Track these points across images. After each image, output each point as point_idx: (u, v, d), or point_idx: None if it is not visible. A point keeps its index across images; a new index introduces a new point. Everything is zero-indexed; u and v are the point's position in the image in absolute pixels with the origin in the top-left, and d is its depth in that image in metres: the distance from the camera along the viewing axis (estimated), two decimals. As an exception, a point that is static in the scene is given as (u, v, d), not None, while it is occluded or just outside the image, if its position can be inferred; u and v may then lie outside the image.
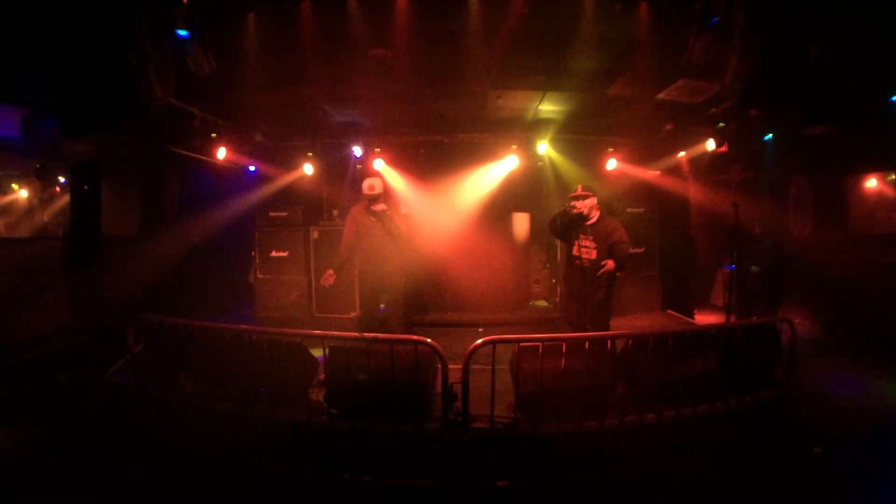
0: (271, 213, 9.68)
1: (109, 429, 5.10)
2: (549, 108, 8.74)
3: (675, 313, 9.41)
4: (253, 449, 4.54)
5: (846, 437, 4.90)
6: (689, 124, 8.71)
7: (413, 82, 7.30)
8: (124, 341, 5.17)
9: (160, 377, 5.15)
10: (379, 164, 9.90)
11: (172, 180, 9.41)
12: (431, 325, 8.37)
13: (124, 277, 7.51)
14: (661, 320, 9.14)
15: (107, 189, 8.04)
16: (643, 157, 10.04)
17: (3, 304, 6.58)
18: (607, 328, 6.18)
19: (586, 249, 6.19)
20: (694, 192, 10.53)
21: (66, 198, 8.52)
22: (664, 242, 9.93)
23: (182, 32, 5.28)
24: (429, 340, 4.41)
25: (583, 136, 9.77)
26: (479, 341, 4.34)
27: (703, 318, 9.59)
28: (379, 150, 9.99)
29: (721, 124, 8.30)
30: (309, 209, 9.89)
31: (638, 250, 9.31)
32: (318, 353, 4.93)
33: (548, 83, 7.46)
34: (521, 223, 9.75)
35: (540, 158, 10.16)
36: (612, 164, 9.91)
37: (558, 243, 8.73)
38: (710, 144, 8.77)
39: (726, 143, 8.74)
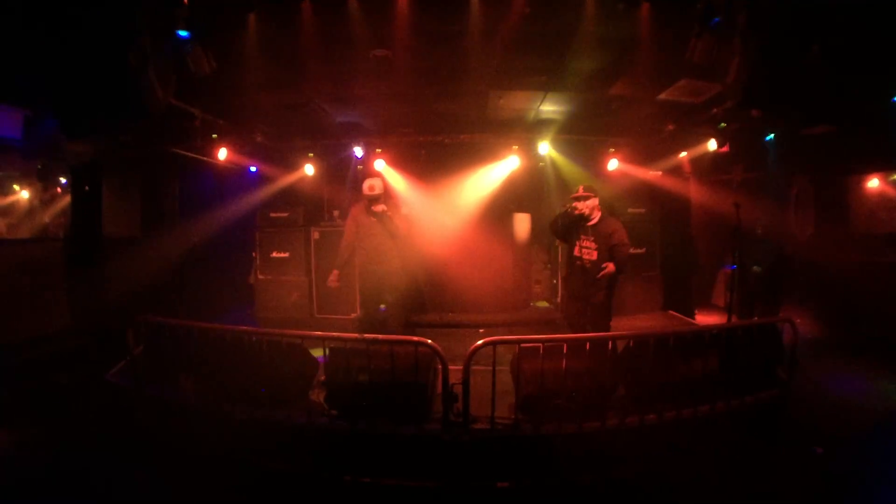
0: (272, 214, 9.68)
1: (109, 429, 5.11)
2: (550, 108, 8.72)
3: (676, 314, 9.41)
4: (253, 449, 4.55)
5: (846, 437, 4.89)
6: (691, 124, 8.69)
7: (414, 83, 7.29)
8: (124, 342, 5.16)
9: (160, 378, 5.15)
10: (380, 165, 9.89)
11: (173, 181, 9.40)
12: (432, 326, 8.37)
13: (125, 278, 7.50)
14: (661, 321, 9.14)
15: (107, 190, 8.03)
16: (644, 157, 10.03)
17: (4, 304, 6.58)
18: (608, 330, 6.18)
19: (587, 250, 6.19)
20: (695, 192, 10.51)
21: (67, 199, 8.52)
22: (665, 243, 9.94)
23: (182, 33, 5.28)
24: (429, 341, 4.40)
25: (584, 136, 9.75)
26: (480, 342, 4.34)
27: (705, 319, 9.57)
28: (380, 150, 9.98)
29: (722, 124, 8.29)
30: (310, 210, 9.90)
31: (639, 251, 9.31)
32: (318, 353, 4.94)
33: (549, 84, 7.45)
34: (522, 224, 9.74)
35: (541, 159, 10.15)
36: (613, 164, 9.90)
37: (559, 244, 8.72)
38: (712, 144, 8.77)
39: (728, 144, 8.73)
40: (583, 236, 6.24)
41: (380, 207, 6.76)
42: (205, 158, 9.04)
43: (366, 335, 4.61)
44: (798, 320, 5.15)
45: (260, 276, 9.62)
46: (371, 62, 6.51)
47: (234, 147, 9.19)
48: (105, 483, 4.35)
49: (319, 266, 9.33)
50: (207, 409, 4.76)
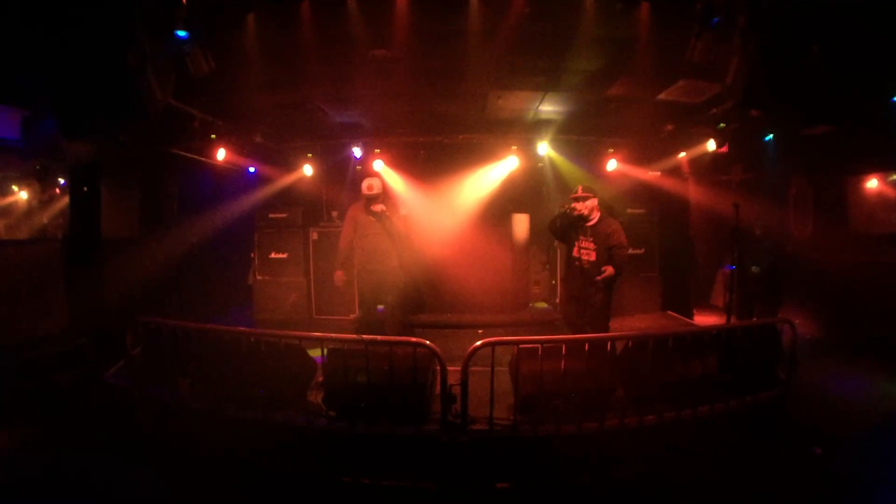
0: (271, 215, 9.65)
1: (109, 429, 5.11)
2: (549, 108, 8.71)
3: (674, 314, 9.41)
4: (252, 450, 4.54)
5: (846, 437, 4.89)
6: (690, 125, 8.69)
7: (413, 83, 7.28)
8: (123, 342, 5.17)
9: (158, 379, 5.15)
10: (378, 165, 9.88)
11: (172, 181, 9.38)
12: (430, 327, 8.34)
13: (123, 279, 7.48)
14: (660, 321, 9.13)
15: (106, 190, 8.00)
16: (643, 157, 10.02)
17: (3, 305, 6.57)
18: (607, 330, 6.19)
19: (586, 251, 6.19)
20: (694, 192, 10.51)
21: (66, 199, 8.50)
22: (664, 243, 9.93)
23: (181, 33, 5.27)
24: (427, 342, 4.40)
25: (583, 136, 9.75)
26: (479, 343, 4.34)
27: (703, 319, 9.57)
28: (378, 150, 9.97)
29: (721, 125, 8.28)
30: (308, 210, 9.87)
31: (638, 251, 9.31)
32: (316, 354, 4.93)
33: (548, 84, 7.44)
34: (520, 224, 9.72)
35: (540, 159, 10.14)
36: (612, 164, 9.90)
37: (558, 244, 8.72)
38: (711, 145, 8.75)
39: (727, 144, 8.72)
40: (581, 237, 6.24)
41: (379, 207, 6.77)
42: (203, 159, 9.02)
43: (364, 336, 4.60)
44: (797, 320, 5.16)
45: (258, 277, 9.59)
46: (370, 62, 6.51)
47: (233, 147, 9.16)
48: (105, 483, 4.35)
49: (318, 267, 9.33)
50: (206, 410, 4.76)
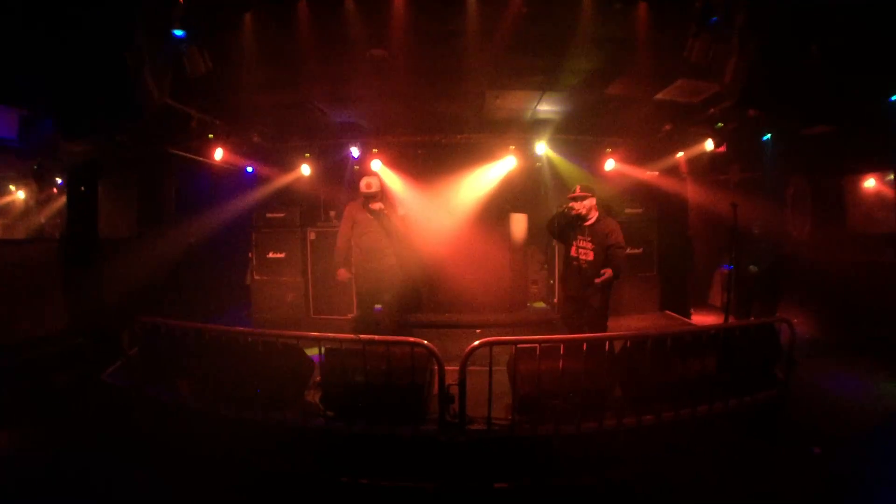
0: (268, 215, 9.65)
1: (108, 429, 5.11)
2: (547, 108, 8.70)
3: (673, 314, 9.41)
4: (251, 450, 4.53)
5: (846, 437, 4.89)
6: (688, 124, 8.68)
7: (411, 82, 7.28)
8: (121, 343, 5.16)
9: (156, 379, 5.14)
10: (376, 165, 9.86)
11: (169, 181, 9.36)
12: (428, 326, 8.33)
13: (121, 279, 7.47)
14: (659, 321, 9.13)
15: (104, 190, 8.00)
16: (641, 157, 10.01)
17: (2, 305, 6.55)
18: (605, 330, 6.19)
19: (584, 250, 6.18)
20: (692, 192, 10.50)
21: (63, 199, 8.48)
22: (662, 243, 9.93)
23: (178, 32, 5.26)
24: (425, 342, 4.40)
25: (581, 136, 9.73)
26: (476, 343, 4.34)
27: (701, 319, 9.57)
28: (376, 150, 9.96)
29: (720, 124, 8.28)
30: (306, 210, 9.86)
31: (636, 251, 9.32)
32: (314, 353, 4.93)
33: (546, 83, 7.43)
34: (518, 224, 9.71)
35: (538, 159, 10.13)
36: (610, 164, 9.89)
37: (556, 244, 8.71)
38: (709, 144, 8.75)
39: (725, 144, 8.72)
40: (580, 236, 6.23)
41: (377, 205, 6.77)
42: (201, 159, 9.01)
43: (362, 336, 4.59)
44: (796, 320, 5.15)
45: (256, 277, 9.58)
46: (368, 62, 6.49)
47: (231, 147, 9.16)
48: (105, 483, 4.34)
49: (316, 267, 9.32)
50: (204, 410, 4.75)
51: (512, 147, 9.81)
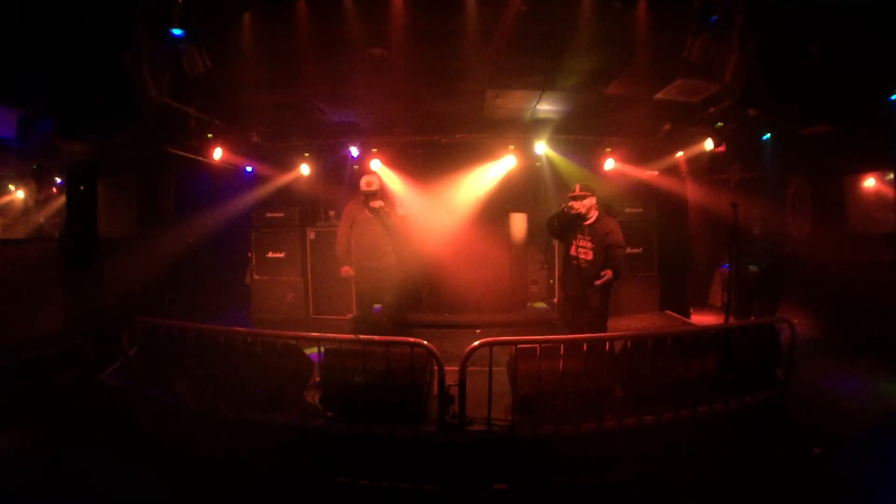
0: (268, 214, 9.65)
1: (108, 429, 5.10)
2: (546, 107, 8.70)
3: (673, 314, 9.40)
4: (250, 450, 4.53)
5: (846, 437, 4.88)
6: (688, 124, 8.69)
7: (410, 82, 7.27)
8: (120, 343, 5.15)
9: (155, 379, 5.13)
10: (376, 165, 9.87)
11: (168, 181, 9.36)
12: (428, 327, 8.32)
13: (121, 278, 7.48)
14: (659, 321, 9.13)
15: (103, 190, 7.99)
16: (641, 156, 10.02)
17: (1, 305, 6.55)
18: (605, 330, 6.18)
19: (583, 250, 6.17)
20: (692, 191, 10.51)
21: (63, 199, 8.48)
22: (662, 242, 9.92)
23: (177, 31, 5.25)
24: (425, 342, 4.39)
25: (581, 135, 9.74)
26: (476, 343, 4.33)
27: (701, 319, 9.57)
28: (376, 150, 9.96)
29: (719, 124, 8.28)
30: (306, 210, 9.86)
31: (636, 250, 9.32)
32: (314, 352, 4.92)
33: (545, 83, 7.43)
34: (518, 223, 9.71)
35: (538, 158, 10.14)
36: (610, 163, 9.90)
37: (556, 244, 8.71)
38: (709, 144, 8.76)
39: (724, 143, 8.73)
40: (579, 236, 6.22)
41: (377, 203, 6.77)
42: (201, 158, 9.01)
43: (361, 336, 4.58)
44: (796, 320, 5.15)
45: (256, 277, 9.57)
46: (367, 61, 6.49)
47: (230, 147, 9.16)
48: (105, 483, 4.34)
49: (315, 266, 9.32)
50: (203, 410, 4.74)
51: (511, 146, 9.82)
